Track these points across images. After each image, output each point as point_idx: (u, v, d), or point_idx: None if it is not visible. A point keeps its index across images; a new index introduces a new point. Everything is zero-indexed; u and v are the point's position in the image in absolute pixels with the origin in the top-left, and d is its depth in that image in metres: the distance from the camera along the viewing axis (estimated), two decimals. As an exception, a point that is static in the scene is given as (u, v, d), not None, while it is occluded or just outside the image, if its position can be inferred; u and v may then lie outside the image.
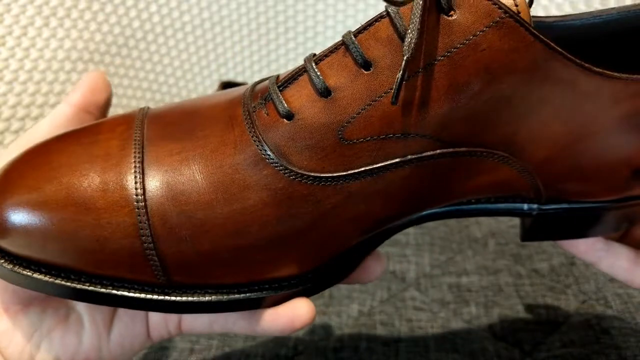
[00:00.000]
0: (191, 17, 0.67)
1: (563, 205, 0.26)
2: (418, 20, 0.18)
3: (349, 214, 0.21)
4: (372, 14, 0.70)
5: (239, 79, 0.73)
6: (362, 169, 0.20)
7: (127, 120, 0.23)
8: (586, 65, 0.20)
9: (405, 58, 0.18)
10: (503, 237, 0.46)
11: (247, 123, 0.21)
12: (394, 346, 0.36)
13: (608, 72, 0.20)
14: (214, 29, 0.70)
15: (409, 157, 0.20)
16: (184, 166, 0.20)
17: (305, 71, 0.21)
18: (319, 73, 0.20)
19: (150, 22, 0.63)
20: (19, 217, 0.20)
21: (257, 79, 0.24)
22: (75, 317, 0.24)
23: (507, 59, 0.19)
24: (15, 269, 0.20)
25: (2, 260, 0.20)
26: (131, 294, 0.21)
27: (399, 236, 0.47)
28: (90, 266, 0.21)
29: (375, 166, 0.20)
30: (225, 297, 0.21)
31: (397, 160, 0.20)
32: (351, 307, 0.40)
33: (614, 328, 0.36)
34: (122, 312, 0.25)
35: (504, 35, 0.18)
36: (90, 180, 0.20)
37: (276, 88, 0.21)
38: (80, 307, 0.25)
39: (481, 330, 0.37)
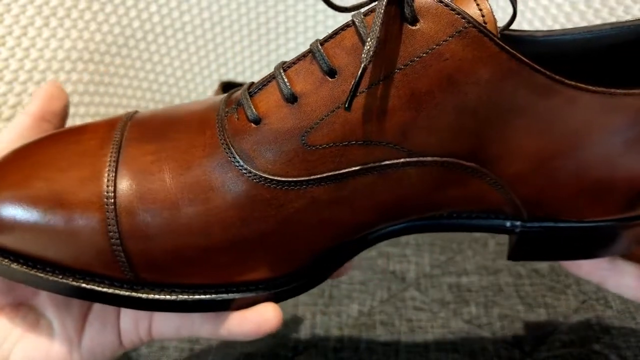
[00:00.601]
0: (191, 17, 0.67)
1: (548, 224, 0.25)
2: (378, 29, 0.18)
3: (313, 219, 0.21)
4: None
5: (239, 79, 0.73)
6: (325, 174, 0.20)
7: (111, 122, 0.24)
8: (557, 77, 0.19)
9: (362, 65, 0.18)
10: (503, 237, 0.46)
11: (218, 127, 0.21)
12: (394, 346, 0.36)
13: (583, 85, 0.20)
14: (214, 29, 0.70)
15: (370, 164, 0.20)
16: (155, 166, 0.21)
17: (274, 78, 0.21)
18: (286, 80, 0.21)
19: (150, 22, 0.63)
20: (4, 210, 0.21)
21: (257, 79, 0.24)
22: (45, 323, 0.25)
23: (471, 69, 0.19)
24: None
25: None
26: (99, 289, 0.21)
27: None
28: (64, 259, 0.21)
29: (337, 172, 0.20)
30: (191, 297, 0.22)
31: (358, 167, 0.20)
32: (351, 307, 0.40)
33: (614, 328, 0.36)
34: (93, 318, 0.25)
35: (467, 45, 0.18)
36: (67, 177, 0.21)
37: (247, 94, 0.22)
38: (50, 313, 0.25)
39: (481, 330, 0.37)
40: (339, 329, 0.38)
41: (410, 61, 0.19)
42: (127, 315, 0.25)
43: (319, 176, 0.20)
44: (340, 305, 0.40)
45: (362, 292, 0.41)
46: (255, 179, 0.20)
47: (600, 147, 0.22)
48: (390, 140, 0.20)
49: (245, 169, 0.20)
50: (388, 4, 0.18)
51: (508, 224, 0.25)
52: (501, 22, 0.23)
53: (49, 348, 0.24)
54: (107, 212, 0.21)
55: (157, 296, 0.22)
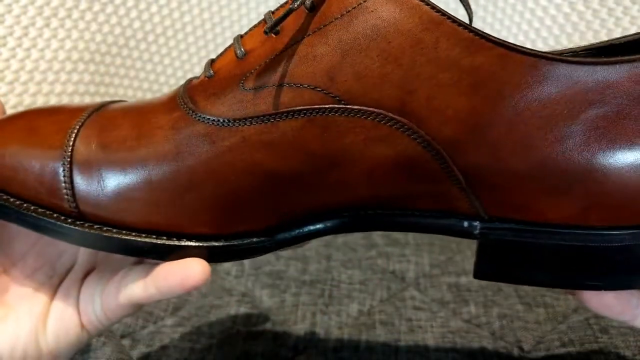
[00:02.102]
0: (192, 17, 0.67)
1: (510, 225, 0.23)
2: None
3: (243, 161, 0.22)
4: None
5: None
6: (257, 115, 0.22)
7: (82, 107, 0.26)
8: (481, 32, 0.20)
9: (290, 6, 0.21)
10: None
11: (179, 91, 0.24)
12: (394, 345, 0.36)
13: (511, 43, 0.20)
14: (214, 29, 0.70)
15: (299, 107, 0.21)
16: (119, 117, 0.24)
17: (232, 45, 0.24)
18: (240, 43, 0.23)
19: (151, 22, 0.63)
20: None
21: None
22: (12, 312, 0.25)
23: (393, 19, 0.20)
24: None
25: None
26: (44, 218, 0.23)
27: (398, 236, 0.47)
28: (14, 187, 0.23)
29: (267, 113, 0.22)
30: (124, 237, 0.23)
31: (289, 109, 0.21)
32: (351, 306, 0.40)
33: (613, 328, 0.36)
34: (55, 303, 0.26)
35: (397, 4, 0.20)
36: (44, 119, 0.24)
37: (209, 62, 0.25)
38: (16, 299, 0.25)
39: (480, 330, 0.37)
40: (338, 329, 0.38)
41: (341, 15, 0.21)
42: (85, 293, 0.26)
43: (251, 116, 0.22)
44: (340, 304, 0.40)
45: (361, 291, 0.41)
46: (195, 117, 0.22)
47: (544, 122, 0.21)
48: (318, 84, 0.21)
49: (189, 109, 0.23)
50: None
51: (466, 224, 0.24)
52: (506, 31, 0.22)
53: (16, 335, 0.24)
54: (68, 139, 0.23)
55: (92, 232, 0.23)
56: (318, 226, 0.24)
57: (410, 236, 0.47)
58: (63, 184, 0.23)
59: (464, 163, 0.22)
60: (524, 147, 0.21)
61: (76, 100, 0.52)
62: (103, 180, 0.22)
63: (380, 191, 0.23)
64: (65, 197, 0.23)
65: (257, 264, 0.44)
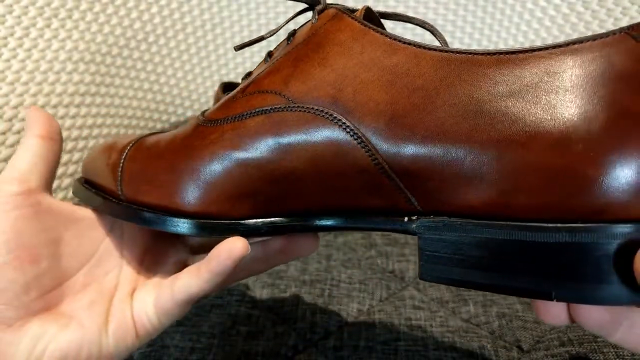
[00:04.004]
0: (192, 18, 0.68)
1: (442, 218, 0.23)
2: (283, 24, 0.30)
3: (220, 149, 0.27)
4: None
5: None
6: (233, 115, 0.28)
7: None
8: (397, 36, 0.24)
9: (263, 35, 0.30)
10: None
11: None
12: (393, 345, 0.36)
13: (423, 43, 0.24)
14: (214, 30, 0.70)
15: (262, 108, 0.27)
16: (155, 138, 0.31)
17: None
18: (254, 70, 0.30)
19: (151, 23, 0.63)
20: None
21: (256, 79, 0.29)
22: (74, 320, 0.28)
23: (333, 36, 0.26)
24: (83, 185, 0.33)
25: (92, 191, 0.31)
26: (101, 197, 0.31)
27: (398, 235, 0.47)
28: (97, 179, 0.32)
29: (239, 113, 0.27)
30: (147, 214, 0.29)
31: (254, 109, 0.27)
32: (350, 306, 0.40)
33: (612, 327, 0.36)
34: (114, 313, 0.29)
35: (334, 23, 0.27)
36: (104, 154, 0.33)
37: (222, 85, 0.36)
38: (74, 310, 0.28)
39: (480, 329, 0.37)
40: (338, 328, 0.38)
41: (302, 40, 0.27)
42: (137, 306, 0.29)
43: (229, 115, 0.28)
44: (339, 304, 0.40)
45: (361, 291, 0.41)
46: (200, 122, 0.29)
47: (454, 109, 0.22)
48: (276, 88, 0.27)
49: (202, 117, 0.29)
50: (299, 13, 0.30)
51: (406, 219, 0.25)
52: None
53: (81, 341, 0.27)
54: (129, 146, 0.31)
55: (124, 205, 0.29)
56: (275, 219, 0.28)
57: (410, 236, 0.47)
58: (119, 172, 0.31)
59: (386, 150, 0.24)
60: (436, 132, 0.23)
61: (76, 101, 0.53)
62: (136, 166, 0.30)
63: (326, 181, 0.26)
64: (117, 183, 0.31)
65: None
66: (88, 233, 0.31)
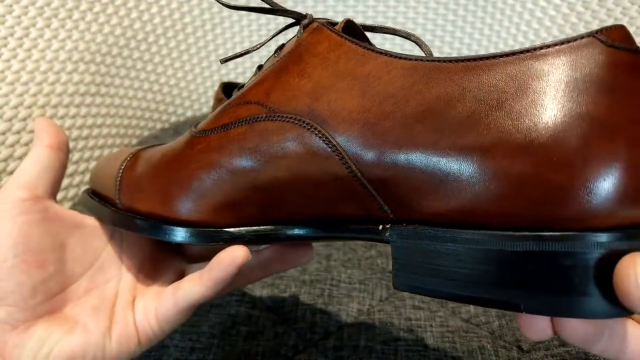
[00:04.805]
0: (192, 18, 0.68)
1: (413, 226, 0.23)
2: (268, 38, 0.31)
3: (206, 159, 0.28)
4: (371, 15, 0.70)
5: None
6: (219, 125, 0.28)
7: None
8: (370, 47, 0.25)
9: (248, 49, 0.30)
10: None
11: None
12: (393, 345, 0.36)
13: (395, 52, 0.24)
14: (214, 30, 0.70)
15: (246, 118, 0.27)
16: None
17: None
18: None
19: (151, 23, 0.63)
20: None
21: (256, 79, 0.29)
22: (78, 325, 0.28)
23: (313, 47, 0.27)
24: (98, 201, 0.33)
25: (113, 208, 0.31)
26: (102, 206, 0.32)
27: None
28: (100, 190, 0.34)
29: (224, 123, 0.28)
30: (135, 217, 0.30)
31: (239, 119, 0.28)
32: (350, 306, 0.40)
33: (612, 327, 0.36)
34: (117, 319, 0.30)
35: (314, 35, 0.27)
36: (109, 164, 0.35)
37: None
38: (77, 314, 0.29)
39: (479, 329, 0.37)
40: (338, 328, 0.38)
41: (288, 52, 0.28)
42: (140, 306, 0.30)
43: (216, 126, 0.29)
44: (339, 304, 0.40)
45: (361, 291, 0.41)
46: (193, 134, 0.30)
47: (421, 115, 0.22)
48: (259, 99, 0.27)
49: (194, 129, 0.30)
50: (287, 27, 0.30)
51: (380, 227, 0.25)
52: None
53: (87, 345, 0.28)
54: (130, 155, 0.33)
55: (121, 213, 0.30)
56: (258, 228, 0.28)
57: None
58: (117, 183, 0.32)
59: (359, 158, 0.24)
60: (405, 139, 0.23)
61: (76, 101, 0.53)
62: (133, 176, 0.31)
63: (305, 189, 0.26)
64: (115, 191, 0.32)
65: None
66: (91, 240, 0.31)
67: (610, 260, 0.19)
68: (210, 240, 0.28)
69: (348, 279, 0.43)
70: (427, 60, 0.23)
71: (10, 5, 0.47)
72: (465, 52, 0.68)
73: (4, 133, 0.45)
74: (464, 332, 0.37)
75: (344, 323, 0.38)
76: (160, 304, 0.30)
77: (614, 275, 0.19)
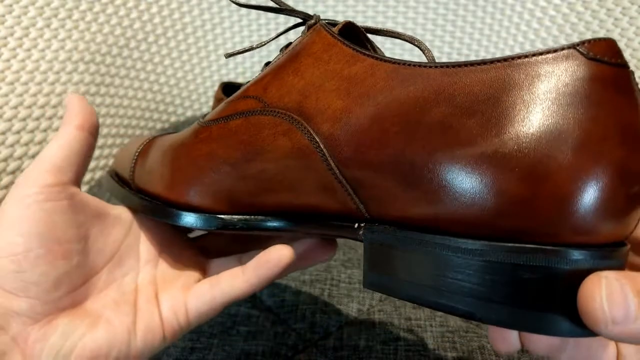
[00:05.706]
0: (192, 18, 0.68)
1: (385, 226, 0.23)
2: (273, 36, 0.31)
3: (206, 148, 0.29)
4: (371, 15, 0.70)
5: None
6: (221, 117, 0.30)
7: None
8: (359, 49, 0.25)
9: (253, 45, 0.31)
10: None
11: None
12: (393, 345, 0.36)
13: (380, 55, 0.25)
14: (214, 30, 0.70)
15: (244, 111, 0.28)
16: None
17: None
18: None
19: (151, 23, 0.63)
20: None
21: (256, 79, 0.29)
22: (101, 320, 0.27)
23: (309, 47, 0.27)
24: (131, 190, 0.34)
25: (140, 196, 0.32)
26: (120, 186, 0.34)
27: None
28: (117, 166, 0.36)
29: (224, 115, 0.29)
30: (145, 202, 0.31)
31: (237, 112, 0.29)
32: (350, 305, 0.40)
33: (612, 327, 0.36)
34: (141, 314, 0.29)
35: (311, 35, 0.28)
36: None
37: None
38: (98, 308, 0.28)
39: (480, 329, 0.37)
40: (338, 328, 0.38)
41: (289, 51, 0.28)
42: (165, 300, 0.30)
43: (217, 117, 0.30)
44: (339, 304, 0.40)
45: (361, 291, 0.41)
46: (200, 123, 0.31)
47: (398, 119, 0.22)
48: (257, 94, 0.28)
49: (202, 120, 0.31)
50: (292, 27, 0.31)
51: (356, 225, 0.25)
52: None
53: (112, 340, 0.26)
54: (143, 144, 0.35)
55: (132, 193, 0.32)
56: (249, 217, 0.29)
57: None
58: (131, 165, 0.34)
59: (338, 157, 0.24)
60: (380, 141, 0.23)
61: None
62: (146, 162, 0.33)
63: (291, 183, 0.27)
64: (130, 174, 0.34)
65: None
66: (112, 231, 0.30)
67: (576, 277, 0.19)
68: (206, 225, 0.29)
69: (348, 279, 0.43)
70: (408, 65, 0.23)
71: (10, 5, 0.47)
72: (465, 52, 0.68)
73: (4, 133, 0.45)
74: (464, 332, 0.37)
75: (344, 323, 0.38)
76: (193, 299, 0.29)
77: (578, 296, 0.18)
